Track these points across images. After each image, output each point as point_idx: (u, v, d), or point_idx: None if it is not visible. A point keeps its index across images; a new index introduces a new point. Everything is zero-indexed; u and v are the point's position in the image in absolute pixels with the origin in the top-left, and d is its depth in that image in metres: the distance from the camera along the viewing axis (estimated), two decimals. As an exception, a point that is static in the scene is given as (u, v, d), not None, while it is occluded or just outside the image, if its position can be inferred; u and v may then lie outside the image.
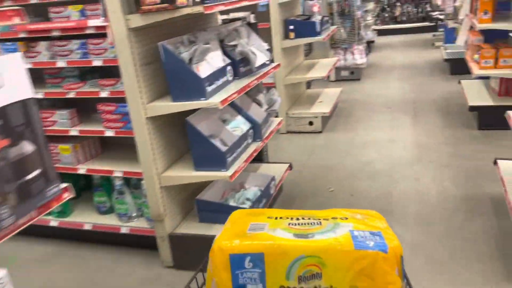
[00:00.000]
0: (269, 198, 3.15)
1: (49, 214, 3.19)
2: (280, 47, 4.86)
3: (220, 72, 2.70)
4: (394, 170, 3.95)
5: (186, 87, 2.48)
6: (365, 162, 4.19)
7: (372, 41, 9.56)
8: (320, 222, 1.14)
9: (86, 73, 3.04)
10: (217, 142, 2.68)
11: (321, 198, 3.59)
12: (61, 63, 2.77)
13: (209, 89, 2.51)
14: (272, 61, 3.28)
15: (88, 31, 2.63)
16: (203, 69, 2.54)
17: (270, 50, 3.24)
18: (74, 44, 2.73)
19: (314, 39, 4.93)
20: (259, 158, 3.73)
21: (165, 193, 2.78)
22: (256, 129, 3.04)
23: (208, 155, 2.63)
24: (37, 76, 3.03)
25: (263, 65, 3.09)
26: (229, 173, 2.60)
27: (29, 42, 2.85)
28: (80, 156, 3.07)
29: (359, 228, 1.10)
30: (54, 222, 3.19)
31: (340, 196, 3.60)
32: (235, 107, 3.04)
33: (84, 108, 3.12)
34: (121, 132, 2.78)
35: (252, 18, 5.07)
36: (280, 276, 1.04)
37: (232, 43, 2.92)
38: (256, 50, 2.96)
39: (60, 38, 2.78)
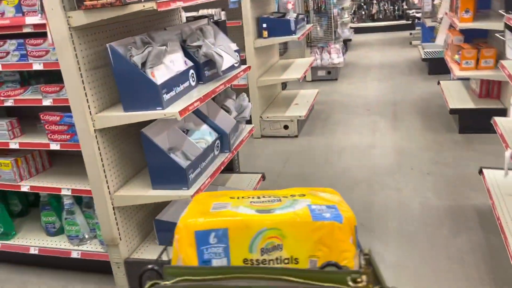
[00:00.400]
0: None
1: (-10, 236, 2.81)
2: (253, 46, 4.56)
3: (181, 77, 2.38)
4: (374, 179, 3.70)
5: (139, 95, 2.16)
6: (343, 170, 3.93)
7: (349, 40, 9.36)
8: (280, 199, 1.20)
9: (30, 78, 2.67)
10: (177, 157, 2.36)
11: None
12: (-3, 67, 2.41)
13: (166, 96, 2.19)
14: (242, 63, 2.98)
15: (25, 30, 2.28)
16: (160, 74, 2.22)
17: (239, 50, 2.94)
18: (11, 45, 2.37)
19: (289, 38, 4.65)
20: (230, 167, 3.43)
21: (119, 214, 2.45)
22: (223, 140, 2.74)
23: (167, 172, 2.31)
24: (-28, 80, 2.65)
25: (232, 68, 2.79)
26: (190, 191, 2.30)
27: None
28: (23, 172, 2.70)
29: (316, 203, 1.16)
30: (-5, 245, 2.82)
31: (317, 209, 3.33)
32: (199, 115, 2.73)
33: (29, 117, 2.75)
34: (68, 145, 2.43)
35: (222, 15, 4.76)
36: (244, 249, 1.08)
37: (195, 43, 2.61)
38: (223, 51, 2.65)
39: (-5, 37, 2.42)
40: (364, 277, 0.89)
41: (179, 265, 1.09)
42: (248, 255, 1.08)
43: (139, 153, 2.59)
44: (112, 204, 2.39)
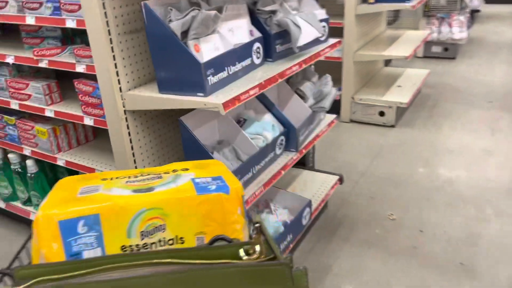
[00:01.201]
0: (298, 233, 2.27)
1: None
2: (354, 13, 3.77)
3: (240, 52, 1.80)
4: (486, 199, 2.86)
5: (177, 73, 1.63)
6: (445, 180, 3.12)
7: (478, 10, 7.89)
8: (161, 176, 1.09)
9: (74, 35, 2.28)
10: (222, 156, 1.83)
11: (376, 229, 2.64)
12: (29, 19, 2.02)
13: (212, 79, 1.63)
14: (338, 32, 2.29)
15: (57, -23, 1.84)
16: (207, 48, 1.65)
17: (327, 20, 2.26)
18: (44, -6, 1.96)
19: (401, 5, 3.76)
20: (301, 160, 2.83)
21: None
22: (290, 135, 2.14)
23: (206, 175, 1.79)
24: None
25: (314, 42, 2.14)
26: (233, 205, 1.76)
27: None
28: (61, 142, 2.38)
29: (200, 176, 1.08)
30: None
31: (404, 230, 2.62)
32: (263, 101, 2.15)
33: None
34: (101, 122, 2.01)
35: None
36: (121, 235, 0.97)
37: (269, 8, 1.98)
38: (303, 20, 2.00)
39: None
40: (256, 248, 0.84)
41: (33, 265, 0.93)
42: (126, 241, 0.98)
43: (178, 142, 2.10)
44: (141, 202, 1.95)
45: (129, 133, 1.84)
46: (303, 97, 2.32)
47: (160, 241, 1.00)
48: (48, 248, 0.94)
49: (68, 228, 0.94)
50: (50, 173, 2.66)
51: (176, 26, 1.54)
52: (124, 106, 1.79)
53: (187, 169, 1.13)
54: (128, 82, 1.79)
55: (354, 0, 3.72)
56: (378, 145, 3.71)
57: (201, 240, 1.01)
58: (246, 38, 1.87)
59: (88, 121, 2.08)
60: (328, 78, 2.43)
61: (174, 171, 1.12)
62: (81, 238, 0.95)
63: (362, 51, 3.98)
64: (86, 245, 0.96)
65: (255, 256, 0.84)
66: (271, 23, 1.97)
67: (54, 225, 0.93)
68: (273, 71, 1.89)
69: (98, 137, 2.55)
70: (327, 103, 2.35)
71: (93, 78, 1.96)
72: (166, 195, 0.99)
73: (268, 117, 2.10)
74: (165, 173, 1.11)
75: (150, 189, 1.01)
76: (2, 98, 2.40)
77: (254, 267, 0.80)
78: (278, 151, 2.09)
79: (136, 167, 1.91)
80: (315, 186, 2.62)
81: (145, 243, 0.99)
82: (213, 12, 1.59)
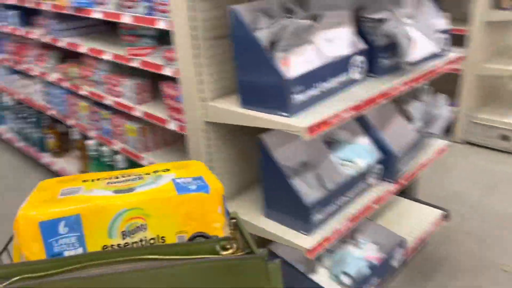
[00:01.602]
0: (385, 276, 1.97)
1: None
2: (483, 19, 3.25)
3: (337, 66, 1.56)
4: None
5: (261, 87, 1.45)
6: None
7: None
8: (142, 177, 1.11)
9: (167, 35, 2.21)
10: (303, 182, 1.61)
11: (482, 280, 2.22)
12: (124, 18, 1.99)
13: (298, 97, 1.42)
14: (459, 40, 1.95)
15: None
16: (298, 61, 1.44)
17: (448, 31, 1.90)
18: (140, -7, 1.90)
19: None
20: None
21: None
22: (389, 164, 1.84)
23: (283, 201, 1.60)
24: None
25: (431, 57, 1.81)
26: (310, 241, 1.54)
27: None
28: (149, 142, 2.35)
29: (181, 176, 1.10)
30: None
31: (520, 287, 2.17)
32: (361, 120, 1.88)
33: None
34: (184, 127, 1.92)
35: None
36: (102, 235, 0.99)
37: (377, 16, 1.71)
38: (417, 31, 1.69)
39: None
40: (233, 243, 0.87)
41: (13, 263, 0.96)
42: (107, 241, 0.99)
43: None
44: (214, 219, 1.82)
45: (206, 145, 1.71)
46: (408, 117, 2.00)
47: (141, 240, 1.01)
48: (29, 249, 0.95)
49: (49, 229, 0.95)
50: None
51: (263, 35, 1.36)
52: (204, 117, 1.66)
53: (168, 170, 1.15)
54: (210, 91, 1.65)
55: (484, 4, 3.20)
56: (496, 175, 3.18)
57: (182, 239, 1.03)
58: (346, 50, 1.62)
59: (172, 125, 2.00)
60: (442, 98, 2.07)
61: (155, 172, 1.14)
62: (63, 239, 0.96)
63: (489, 64, 3.43)
64: (68, 245, 0.97)
65: (231, 251, 0.86)
66: (378, 33, 1.69)
67: (35, 226, 0.95)
68: (376, 89, 1.62)
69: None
70: (437, 128, 2.00)
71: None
72: (147, 196, 1.01)
73: (364, 140, 1.83)
74: (146, 174, 1.13)
75: (130, 190, 1.03)
76: (99, 92, 2.44)
77: (229, 261, 0.82)
78: (372, 181, 1.81)
79: (212, 182, 1.78)
80: (413, 219, 2.28)
81: (126, 243, 1.00)
82: (307, 22, 1.37)
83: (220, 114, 1.62)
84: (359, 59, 1.66)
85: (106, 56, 2.24)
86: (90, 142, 2.68)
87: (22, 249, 0.96)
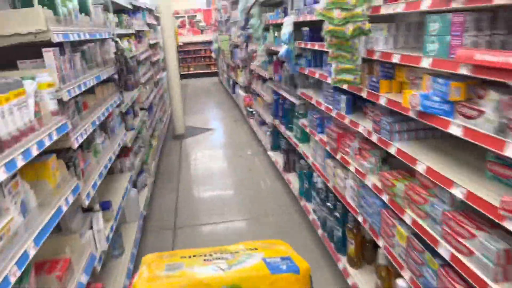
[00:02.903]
0: None
1: None
2: None
3: None
4: None
5: None
6: None
7: None
8: (233, 256, 1.21)
9: None
10: None
11: None
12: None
13: None
14: None
15: None
16: None
17: None
18: None
19: None
20: None
21: None
22: None
23: None
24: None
25: None
26: None
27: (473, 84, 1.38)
28: None
29: (270, 256, 1.19)
30: None
31: None
32: None
33: None
34: None
35: None
36: None
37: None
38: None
39: None
40: None
41: None
42: None
43: None
44: None
45: None
46: None
47: None
48: None
49: None
50: None
51: None
52: None
53: (255, 249, 1.25)
54: None
55: None
56: None
57: None
58: None
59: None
60: None
61: (243, 250, 1.24)
62: None
63: None
64: None
65: None
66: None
67: None
68: None
69: None
70: None
71: None
72: (243, 274, 1.13)
73: None
74: (235, 252, 1.24)
75: (227, 268, 1.15)
76: (429, 230, 1.68)
77: None
78: None
79: None
80: None
81: None
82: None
83: None
84: None
85: (455, 190, 1.46)
86: (401, 284, 1.94)
87: None
